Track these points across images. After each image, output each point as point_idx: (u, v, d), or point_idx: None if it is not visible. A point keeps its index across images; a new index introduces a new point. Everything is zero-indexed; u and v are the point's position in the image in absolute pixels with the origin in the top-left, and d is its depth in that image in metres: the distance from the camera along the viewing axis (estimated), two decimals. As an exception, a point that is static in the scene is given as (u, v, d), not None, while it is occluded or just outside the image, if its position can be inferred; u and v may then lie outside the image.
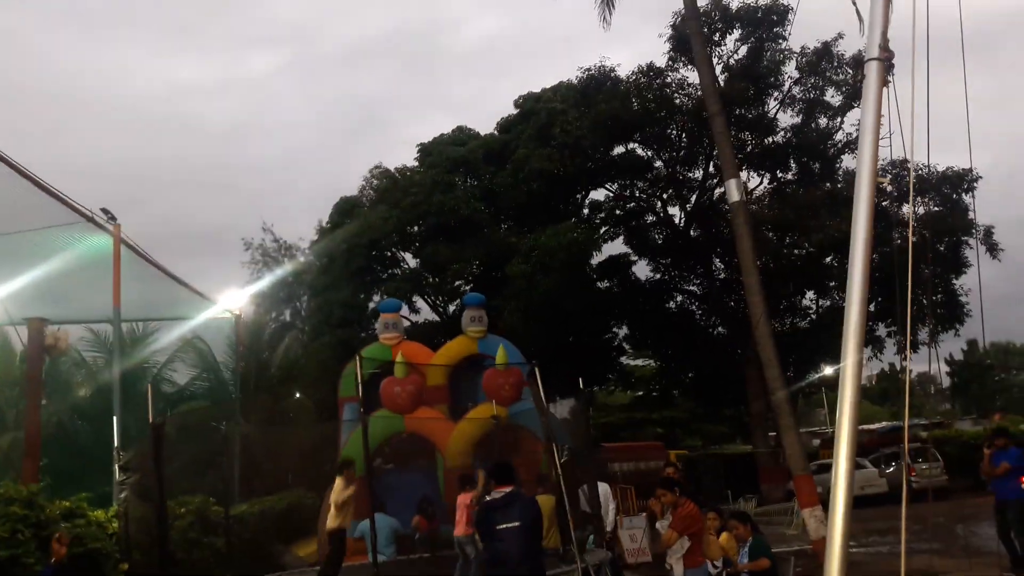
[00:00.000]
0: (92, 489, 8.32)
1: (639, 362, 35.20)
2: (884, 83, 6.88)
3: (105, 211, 10.50)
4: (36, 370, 8.54)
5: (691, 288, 29.77)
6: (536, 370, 7.58)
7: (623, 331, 30.03)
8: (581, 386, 9.28)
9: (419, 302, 28.65)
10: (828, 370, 27.64)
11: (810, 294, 28.39)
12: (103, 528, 7.01)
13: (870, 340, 25.97)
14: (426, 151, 29.16)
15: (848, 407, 6.21)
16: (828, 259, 25.71)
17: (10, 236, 9.39)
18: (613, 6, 19.49)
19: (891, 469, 24.08)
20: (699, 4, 19.32)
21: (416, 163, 29.35)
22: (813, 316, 28.56)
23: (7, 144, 7.80)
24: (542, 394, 7.47)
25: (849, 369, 6.42)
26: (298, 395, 17.65)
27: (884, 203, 22.53)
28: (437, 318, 28.40)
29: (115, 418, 8.11)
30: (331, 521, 7.89)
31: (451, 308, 28.17)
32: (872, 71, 6.89)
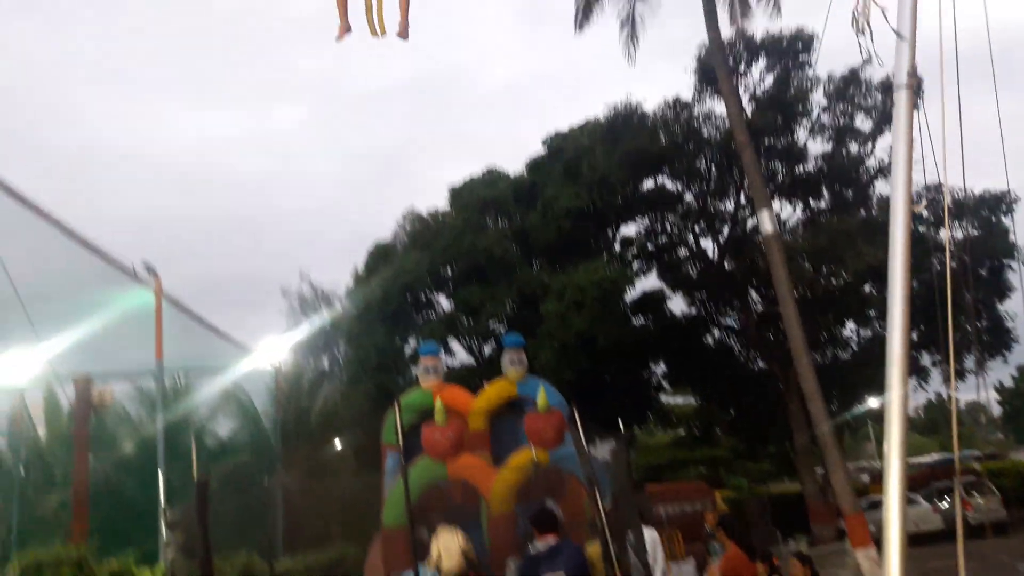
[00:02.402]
0: (139, 544, 8.37)
1: (679, 400, 34.76)
2: (914, 108, 6.86)
3: (146, 266, 10.73)
4: (83, 428, 8.68)
5: (728, 322, 29.46)
6: (575, 412, 7.50)
7: (660, 368, 29.74)
8: (621, 428, 9.16)
9: (454, 345, 28.69)
10: (873, 402, 27.04)
11: (850, 324, 27.94)
12: (151, 586, 7.05)
13: (914, 370, 25.44)
14: (457, 193, 29.45)
15: (896, 444, 6.05)
16: (867, 288, 25.34)
17: (56, 295, 9.63)
18: (637, 42, 19.74)
19: (945, 504, 23.31)
20: (723, 36, 19.59)
21: (448, 206, 29.65)
22: (855, 347, 28.06)
23: (49, 202, 8.04)
24: (582, 437, 7.39)
25: (895, 403, 6.26)
26: (338, 444, 17.72)
27: (921, 228, 22.23)
28: (473, 361, 28.39)
29: (159, 473, 8.19)
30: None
31: (486, 350, 28.17)
32: (901, 99, 6.87)
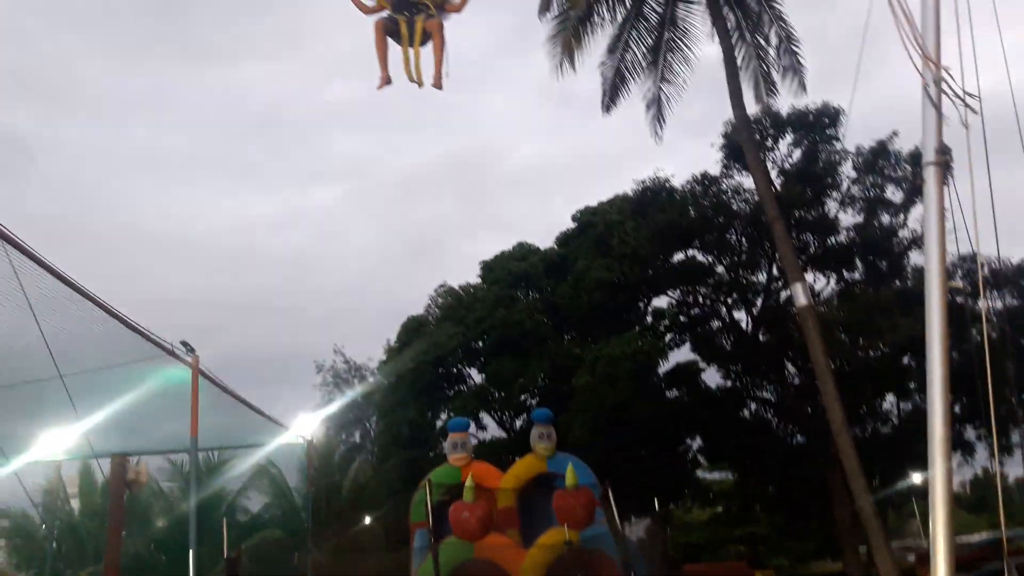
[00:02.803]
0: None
1: (716, 475, 33.92)
2: (943, 184, 6.84)
3: (184, 343, 10.93)
4: (118, 506, 8.73)
5: (765, 395, 28.93)
6: (609, 491, 7.39)
7: (697, 443, 29.15)
8: (656, 506, 8.99)
9: (485, 418, 28.51)
10: (917, 478, 26.16)
11: (890, 397, 27.29)
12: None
13: (958, 444, 24.61)
14: (488, 268, 29.75)
15: (941, 522, 5.84)
16: (905, 360, 24.85)
17: (95, 372, 9.82)
18: (664, 122, 20.07)
19: (999, 586, 22.25)
20: (749, 112, 19.88)
21: (479, 280, 29.91)
22: (895, 420, 27.34)
23: (93, 284, 8.29)
24: (616, 517, 7.25)
25: (938, 480, 6.06)
26: (368, 520, 17.55)
27: (958, 299, 21.86)
28: (504, 434, 28.15)
29: (191, 552, 8.16)
30: None
31: (518, 423, 27.94)
32: (931, 175, 6.86)
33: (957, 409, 22.08)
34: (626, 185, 28.42)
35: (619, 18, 19.24)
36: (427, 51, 5.95)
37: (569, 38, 18.27)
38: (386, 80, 5.88)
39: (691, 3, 19.47)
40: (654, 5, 19.56)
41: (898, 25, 6.30)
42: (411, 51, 5.80)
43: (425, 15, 5.91)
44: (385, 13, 5.98)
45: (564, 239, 29.76)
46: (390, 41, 5.92)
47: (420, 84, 5.82)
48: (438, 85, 5.85)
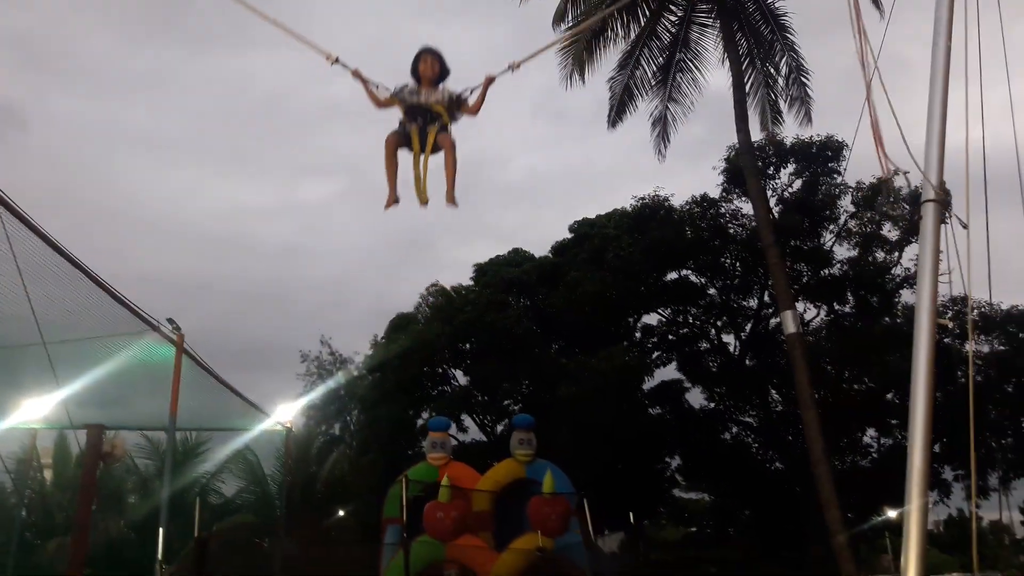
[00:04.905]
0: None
1: (692, 495, 33.93)
2: (941, 223, 6.88)
3: (170, 320, 10.85)
4: (91, 478, 8.65)
5: (747, 420, 28.99)
6: (584, 502, 7.36)
7: (676, 461, 29.17)
8: (632, 520, 8.98)
9: (467, 421, 28.45)
10: (892, 513, 26.23)
11: (871, 431, 27.39)
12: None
13: (936, 483, 24.73)
14: (482, 271, 29.73)
15: (913, 559, 5.84)
16: (889, 395, 24.95)
17: (77, 341, 9.74)
18: (668, 141, 20.12)
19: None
20: (753, 139, 19.94)
21: (472, 282, 29.87)
22: (875, 455, 27.43)
23: (80, 254, 8.21)
24: (590, 528, 7.23)
25: (913, 516, 6.09)
26: (342, 513, 17.45)
27: (946, 340, 21.95)
28: (485, 438, 28.08)
29: (161, 531, 8.10)
30: None
31: (499, 428, 27.88)
32: (929, 213, 6.90)
33: (937, 449, 22.18)
34: (623, 202, 28.41)
35: (632, 35, 19.29)
36: (435, 160, 5.64)
37: (581, 50, 18.30)
38: (393, 200, 5.59)
39: (705, 26, 19.55)
40: (668, 25, 19.63)
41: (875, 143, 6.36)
42: (421, 168, 5.54)
43: (438, 126, 5.60)
44: (397, 115, 5.68)
45: (559, 248, 29.78)
46: (400, 153, 5.67)
47: (426, 203, 5.54)
48: (452, 202, 5.58)
